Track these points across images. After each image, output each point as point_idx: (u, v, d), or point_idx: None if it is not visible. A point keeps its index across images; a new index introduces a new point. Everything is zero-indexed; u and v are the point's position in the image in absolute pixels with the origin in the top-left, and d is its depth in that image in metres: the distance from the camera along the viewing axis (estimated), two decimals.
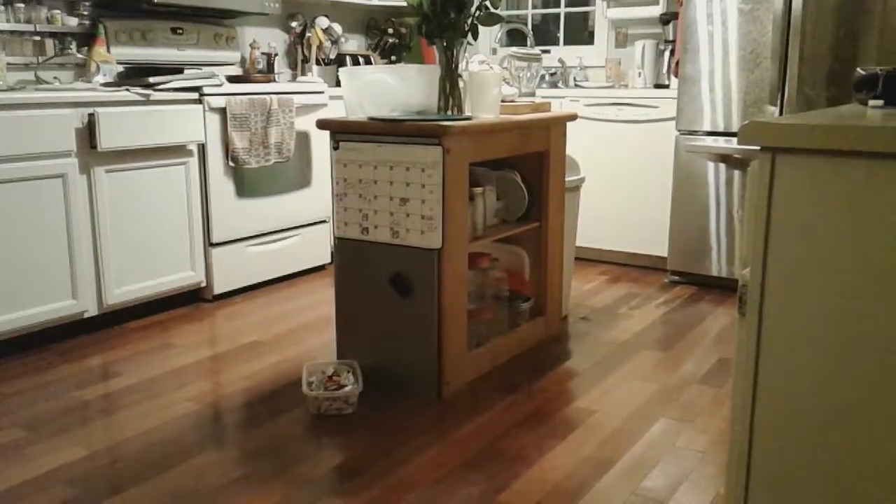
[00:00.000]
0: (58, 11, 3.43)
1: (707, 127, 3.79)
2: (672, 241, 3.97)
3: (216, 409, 2.49)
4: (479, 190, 2.73)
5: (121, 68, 3.66)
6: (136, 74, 3.62)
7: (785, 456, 1.28)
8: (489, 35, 5.25)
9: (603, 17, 4.80)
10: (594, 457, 2.18)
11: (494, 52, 5.16)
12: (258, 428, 2.35)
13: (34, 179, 2.89)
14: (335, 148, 2.60)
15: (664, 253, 4.12)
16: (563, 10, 5.08)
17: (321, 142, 4.06)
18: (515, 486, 2.02)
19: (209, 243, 3.57)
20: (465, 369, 2.66)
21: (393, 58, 5.06)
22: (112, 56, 3.58)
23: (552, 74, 4.89)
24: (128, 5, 3.65)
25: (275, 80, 4.01)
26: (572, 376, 2.76)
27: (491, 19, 2.64)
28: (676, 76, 3.93)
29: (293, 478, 2.05)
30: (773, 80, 3.51)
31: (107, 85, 3.37)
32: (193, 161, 3.45)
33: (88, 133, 3.04)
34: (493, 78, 2.63)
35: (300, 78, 4.46)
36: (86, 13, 3.54)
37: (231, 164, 3.56)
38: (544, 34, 5.20)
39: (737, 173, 3.75)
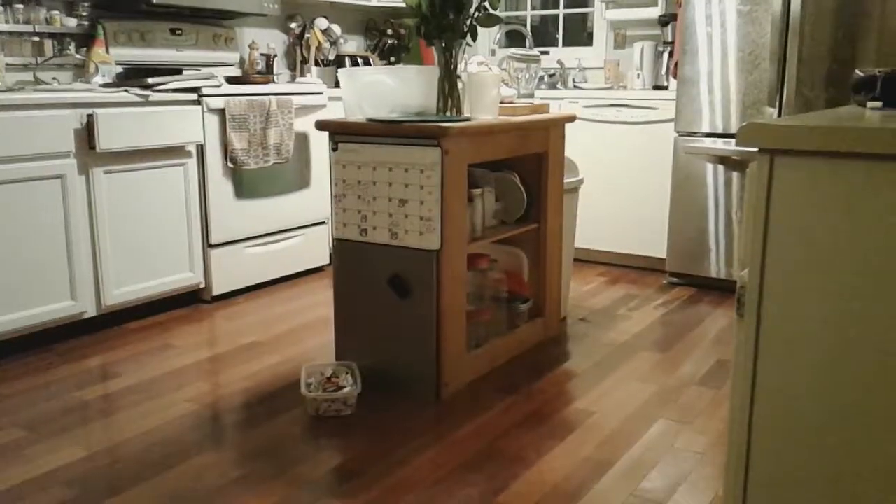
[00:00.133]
0: (57, 12, 3.43)
1: (706, 128, 3.80)
2: (671, 242, 3.98)
3: (215, 409, 2.49)
4: (477, 191, 2.73)
5: (119, 69, 3.66)
6: (134, 75, 3.62)
7: (783, 457, 1.28)
8: (488, 36, 5.26)
9: (602, 18, 4.80)
10: (593, 458, 2.18)
11: (493, 53, 5.16)
12: (257, 429, 2.35)
13: (33, 180, 2.89)
14: (334, 149, 2.60)
15: (663, 254, 4.12)
16: (561, 11, 5.09)
17: (320, 143, 4.06)
18: (514, 487, 2.02)
19: (208, 244, 3.57)
20: (463, 370, 2.66)
21: (392, 59, 5.06)
22: (111, 57, 3.58)
23: (551, 76, 4.89)
24: (126, 6, 3.65)
25: (274, 81, 4.01)
26: (571, 377, 2.76)
27: (490, 20, 2.65)
28: (675, 77, 3.94)
29: (292, 479, 2.05)
30: (772, 81, 3.51)
31: (105, 86, 3.37)
32: (192, 162, 3.45)
33: (87, 134, 3.04)
34: (491, 79, 2.63)
35: (299, 79, 4.46)
36: (84, 14, 3.54)
37: (230, 164, 3.56)
38: (543, 35, 5.21)
39: (735, 175, 3.75)
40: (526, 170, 3.01)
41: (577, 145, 4.32)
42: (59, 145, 2.96)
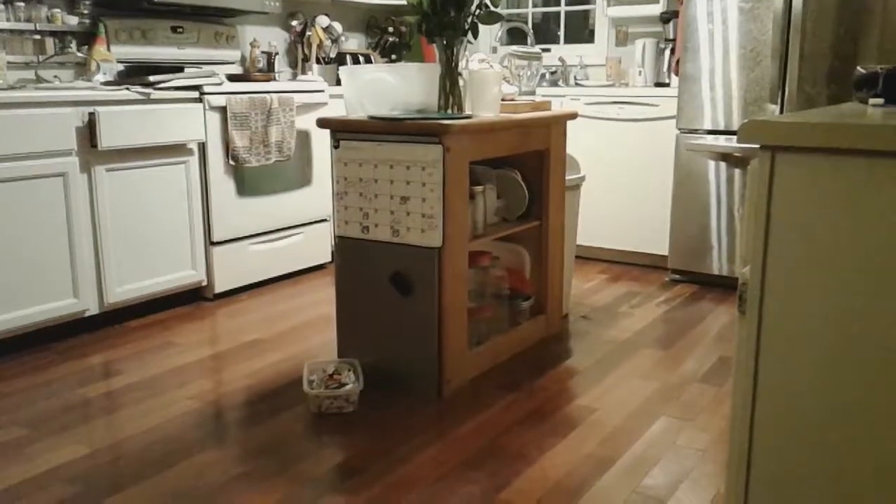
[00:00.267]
0: (58, 10, 3.43)
1: (707, 125, 3.79)
2: (672, 239, 3.97)
3: (217, 407, 2.50)
4: (479, 188, 2.73)
5: (121, 67, 3.66)
6: (136, 73, 3.62)
7: (785, 454, 1.28)
8: (489, 33, 5.25)
9: (603, 15, 4.80)
10: (595, 455, 2.18)
11: (495, 50, 5.16)
12: (259, 426, 2.35)
13: (35, 178, 2.90)
14: (335, 147, 2.60)
15: (665, 251, 4.12)
16: (563, 8, 5.08)
17: (322, 140, 4.06)
18: (516, 484, 2.02)
19: (210, 242, 3.57)
20: (465, 367, 2.66)
21: (393, 56, 5.06)
22: (112, 55, 3.58)
23: (552, 73, 4.89)
24: (128, 4, 3.65)
25: (275, 79, 4.01)
26: (573, 374, 2.76)
27: (491, 18, 2.64)
28: (677, 74, 3.93)
29: (294, 476, 2.06)
30: (774, 78, 3.51)
31: (107, 84, 3.37)
32: (194, 160, 3.46)
33: (89, 132, 3.05)
34: (493, 76, 2.63)
35: (300, 77, 4.46)
36: (86, 12, 3.54)
37: (231, 162, 3.56)
38: (545, 33, 5.20)
39: (737, 172, 3.75)
40: (527, 167, 3.01)
41: (579, 142, 4.31)
42: (61, 143, 2.96)
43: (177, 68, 3.61)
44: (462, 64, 2.67)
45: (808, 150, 1.18)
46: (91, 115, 3.03)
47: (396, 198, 2.50)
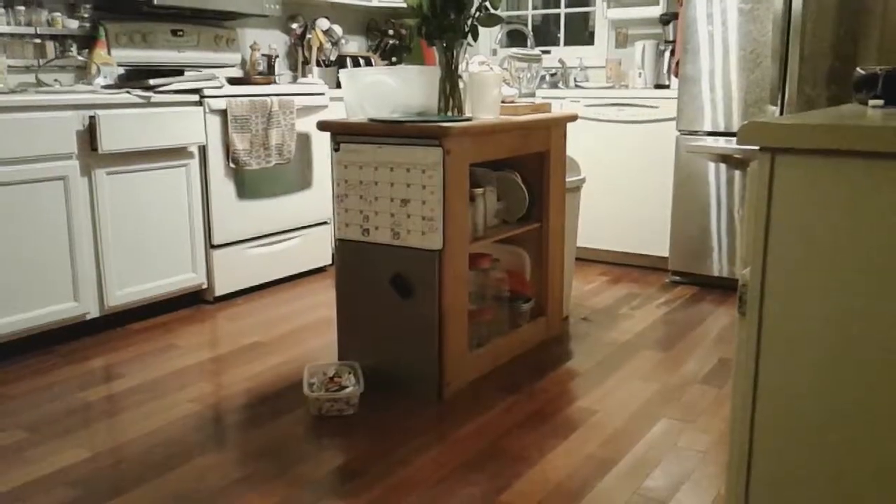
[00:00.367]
0: (58, 14, 3.43)
1: (707, 127, 3.79)
2: (673, 241, 3.98)
3: (218, 410, 2.50)
4: (479, 191, 2.73)
5: (121, 70, 3.66)
6: (136, 77, 3.62)
7: (785, 456, 1.28)
8: (489, 36, 5.26)
9: (603, 17, 4.80)
10: (596, 457, 2.18)
11: (494, 52, 5.16)
12: (260, 429, 2.35)
13: (35, 182, 2.90)
14: (336, 149, 2.60)
15: (665, 253, 4.12)
16: (563, 10, 5.09)
17: (322, 143, 4.06)
18: (517, 486, 2.02)
19: (210, 245, 3.58)
20: (465, 370, 2.66)
21: (393, 59, 5.06)
22: (112, 58, 3.59)
23: (552, 75, 4.89)
24: (128, 7, 3.66)
25: (275, 82, 4.01)
26: (573, 376, 2.76)
27: (491, 20, 2.65)
28: (677, 76, 3.93)
29: (294, 479, 2.06)
30: (774, 79, 3.51)
31: (107, 87, 3.38)
32: (194, 163, 3.46)
33: (89, 135, 3.05)
34: (493, 79, 2.63)
35: (301, 79, 4.46)
36: (86, 15, 3.54)
37: (232, 165, 3.57)
38: (544, 35, 5.21)
39: (737, 173, 3.75)
40: (528, 169, 3.01)
41: (579, 144, 4.31)
42: (62, 147, 2.96)
43: (177, 71, 3.62)
44: (462, 66, 2.67)
45: (808, 152, 1.18)
46: (91, 118, 3.03)
47: (397, 200, 2.50)
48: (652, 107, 4.07)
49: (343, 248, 2.66)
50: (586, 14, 5.03)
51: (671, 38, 4.33)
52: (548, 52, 5.03)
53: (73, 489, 2.01)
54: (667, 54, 4.38)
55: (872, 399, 1.19)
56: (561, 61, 4.91)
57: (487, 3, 2.65)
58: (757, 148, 1.22)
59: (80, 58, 3.54)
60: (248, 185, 3.69)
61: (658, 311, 3.52)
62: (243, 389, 2.66)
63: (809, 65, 3.45)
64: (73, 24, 3.50)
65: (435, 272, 2.48)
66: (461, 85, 2.65)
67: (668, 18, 4.35)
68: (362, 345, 2.68)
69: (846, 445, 1.22)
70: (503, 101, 2.90)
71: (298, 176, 3.96)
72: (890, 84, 1.51)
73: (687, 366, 2.86)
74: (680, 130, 3.87)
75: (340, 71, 2.76)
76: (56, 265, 2.99)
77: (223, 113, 3.50)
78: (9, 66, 3.29)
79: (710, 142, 3.79)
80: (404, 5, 2.94)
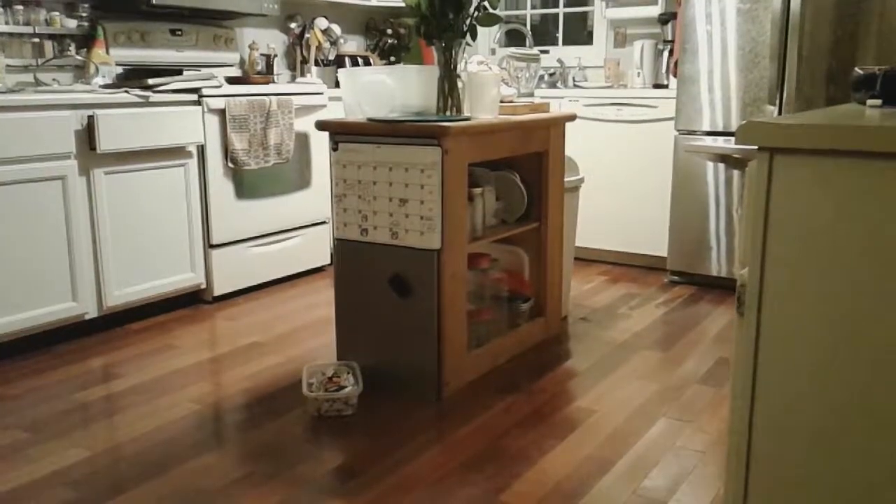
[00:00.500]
0: (56, 13, 3.43)
1: (706, 127, 3.80)
2: (671, 240, 3.98)
3: (217, 410, 2.50)
4: (478, 190, 2.73)
5: (120, 70, 3.66)
6: (134, 76, 3.62)
7: (784, 455, 1.28)
8: (488, 35, 5.26)
9: (602, 17, 4.80)
10: (595, 456, 2.18)
11: (493, 52, 5.16)
12: (259, 429, 2.35)
13: (33, 181, 2.90)
14: (334, 149, 2.60)
15: (664, 253, 4.12)
16: (561, 10, 5.09)
17: (320, 143, 4.06)
18: (516, 486, 2.02)
19: (209, 245, 3.58)
20: (464, 370, 2.66)
21: (392, 58, 5.06)
22: (111, 58, 3.59)
23: (551, 75, 4.89)
24: (127, 6, 3.65)
25: (274, 82, 4.01)
26: (572, 376, 2.77)
27: (489, 20, 2.65)
28: (675, 76, 3.93)
29: (293, 478, 2.06)
30: (772, 79, 3.51)
31: (106, 87, 3.37)
32: (193, 162, 3.46)
33: (88, 135, 3.05)
34: (491, 78, 2.63)
35: (299, 79, 4.46)
36: (84, 15, 3.54)
37: (230, 165, 3.56)
38: (543, 34, 5.21)
39: (736, 173, 3.75)
40: (526, 169, 3.01)
41: (578, 144, 4.32)
42: (60, 146, 2.96)
43: (175, 71, 3.61)
44: (461, 66, 2.68)
45: (807, 152, 1.19)
46: (90, 118, 3.03)
47: (395, 200, 2.50)
48: (650, 106, 4.07)
49: (342, 247, 2.66)
50: (585, 14, 5.03)
51: (670, 38, 4.33)
52: (546, 51, 5.03)
53: (73, 489, 2.01)
54: (665, 54, 4.38)
55: (870, 399, 1.19)
56: (559, 61, 4.91)
57: (486, 3, 2.65)
58: (755, 148, 1.22)
59: (78, 57, 3.54)
60: (246, 184, 3.69)
61: (657, 311, 3.52)
62: (242, 389, 2.66)
63: (808, 65, 3.45)
64: (72, 24, 3.50)
65: (434, 272, 2.48)
66: (460, 84, 2.65)
67: (666, 18, 4.35)
68: (361, 345, 2.68)
69: (844, 445, 1.22)
70: (502, 101, 2.90)
71: (297, 175, 3.95)
72: (888, 84, 1.51)
73: (686, 366, 2.87)
74: (678, 130, 3.87)
75: (339, 70, 2.76)
76: (54, 265, 2.99)
77: (222, 112, 3.50)
78: (7, 66, 3.29)
79: (709, 141, 3.79)
80: (403, 5, 2.93)
